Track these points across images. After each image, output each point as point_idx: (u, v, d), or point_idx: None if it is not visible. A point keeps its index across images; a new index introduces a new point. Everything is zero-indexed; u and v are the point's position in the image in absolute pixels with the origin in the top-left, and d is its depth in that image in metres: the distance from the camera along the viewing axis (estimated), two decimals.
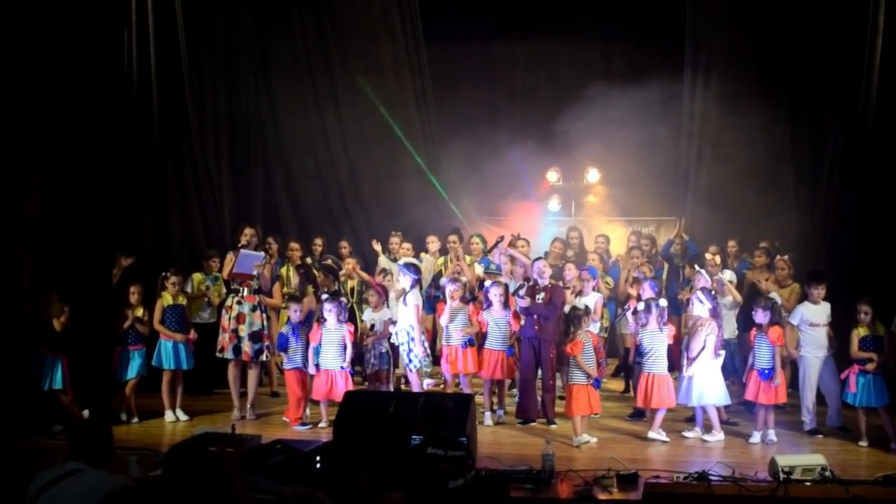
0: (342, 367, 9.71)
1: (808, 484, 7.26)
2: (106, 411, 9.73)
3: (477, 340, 10.28)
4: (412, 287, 10.14)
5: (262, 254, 10.26)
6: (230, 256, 10.14)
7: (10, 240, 9.23)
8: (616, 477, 7.22)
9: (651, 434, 9.16)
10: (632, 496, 6.97)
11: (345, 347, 9.76)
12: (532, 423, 9.86)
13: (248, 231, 10.18)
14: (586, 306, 10.02)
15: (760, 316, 9.21)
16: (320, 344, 9.76)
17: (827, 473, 7.34)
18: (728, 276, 10.56)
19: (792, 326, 9.58)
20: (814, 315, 9.52)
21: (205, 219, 12.11)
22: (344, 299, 10.32)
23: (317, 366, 9.77)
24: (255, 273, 10.01)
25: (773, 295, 10.07)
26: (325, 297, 10.02)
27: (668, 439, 9.16)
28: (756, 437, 9.12)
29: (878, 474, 7.56)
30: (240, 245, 10.05)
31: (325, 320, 9.78)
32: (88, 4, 10.56)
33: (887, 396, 8.97)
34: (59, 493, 4.85)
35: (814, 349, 9.52)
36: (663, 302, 9.53)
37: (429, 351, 10.26)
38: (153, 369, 10.20)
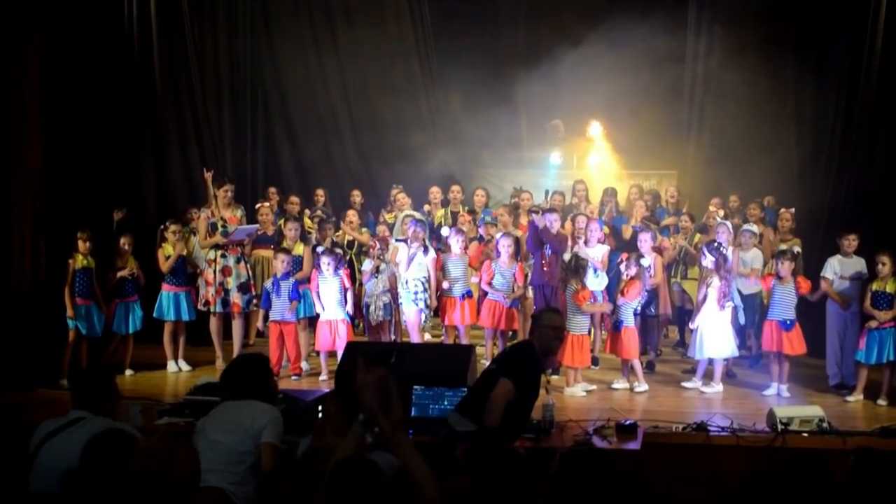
0: (344, 317, 9.76)
1: (806, 435, 7.31)
2: (107, 361, 9.80)
3: (476, 292, 10.32)
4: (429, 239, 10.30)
5: (256, 225, 10.51)
6: (204, 215, 10.16)
7: (11, 194, 9.22)
8: (615, 427, 7.28)
9: (616, 384, 9.39)
10: (631, 446, 7.03)
11: (344, 293, 9.80)
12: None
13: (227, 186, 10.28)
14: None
15: (785, 268, 9.09)
16: (318, 292, 9.80)
17: (824, 425, 7.40)
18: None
19: (825, 280, 9.35)
20: (844, 268, 9.31)
21: (206, 170, 12.08)
22: (339, 251, 10.35)
23: (318, 315, 9.84)
24: (245, 241, 10.28)
25: (795, 247, 10.03)
26: (320, 249, 10.05)
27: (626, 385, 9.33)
28: (773, 390, 9.08)
29: (875, 426, 7.63)
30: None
31: (322, 272, 9.80)
32: None
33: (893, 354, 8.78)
34: (62, 441, 4.90)
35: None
36: (645, 261, 9.59)
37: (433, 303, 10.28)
38: (154, 320, 10.24)
